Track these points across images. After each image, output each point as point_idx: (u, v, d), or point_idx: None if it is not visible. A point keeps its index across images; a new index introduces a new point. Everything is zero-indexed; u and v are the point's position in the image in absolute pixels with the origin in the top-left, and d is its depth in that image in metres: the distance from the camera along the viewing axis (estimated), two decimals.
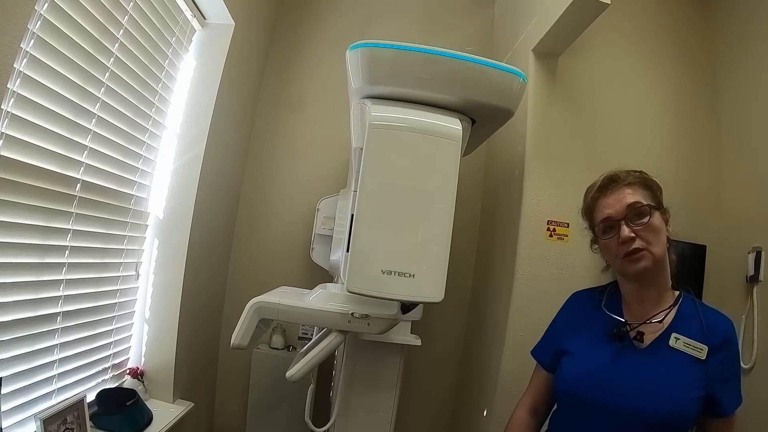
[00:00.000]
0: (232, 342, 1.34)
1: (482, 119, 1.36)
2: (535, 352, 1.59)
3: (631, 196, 1.28)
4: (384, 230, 1.11)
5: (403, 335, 1.88)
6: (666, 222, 1.30)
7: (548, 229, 2.19)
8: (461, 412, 2.66)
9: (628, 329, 1.28)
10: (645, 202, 1.26)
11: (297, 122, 2.85)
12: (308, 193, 2.71)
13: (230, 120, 2.47)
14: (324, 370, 2.49)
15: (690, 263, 2.47)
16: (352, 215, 1.24)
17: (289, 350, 2.61)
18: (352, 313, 1.32)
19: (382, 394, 1.88)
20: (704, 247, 2.46)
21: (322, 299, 1.38)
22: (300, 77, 2.88)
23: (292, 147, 2.84)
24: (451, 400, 2.82)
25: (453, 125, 1.19)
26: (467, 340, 2.77)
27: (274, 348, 2.59)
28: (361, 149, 1.17)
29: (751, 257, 2.10)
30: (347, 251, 1.29)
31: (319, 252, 2.43)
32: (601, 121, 2.35)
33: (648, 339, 1.26)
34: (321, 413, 2.11)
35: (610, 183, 1.34)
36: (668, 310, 1.27)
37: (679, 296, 1.32)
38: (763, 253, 2.06)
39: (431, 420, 2.81)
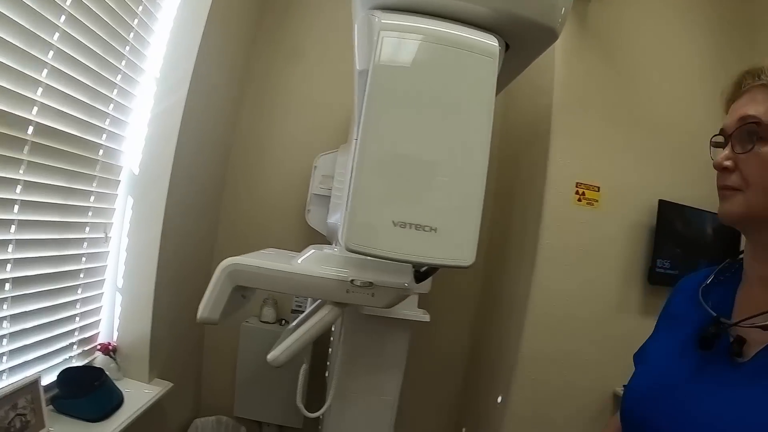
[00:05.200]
0: (198, 314, 1.09)
1: (518, 42, 1.08)
2: (635, 356, 1.14)
3: (754, 105, 0.82)
4: (397, 169, 0.83)
5: (410, 310, 1.73)
6: None
7: (577, 193, 2.03)
8: (471, 398, 2.54)
9: (725, 329, 0.82)
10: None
11: (294, 73, 2.66)
12: (305, 149, 2.53)
13: (219, 66, 2.27)
14: (320, 346, 2.32)
15: (724, 236, 2.33)
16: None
17: (281, 324, 2.47)
18: (351, 281, 1.06)
19: (385, 375, 1.76)
20: None
21: (313, 262, 1.11)
22: (299, 24, 2.68)
23: (289, 99, 2.66)
24: (460, 384, 2.69)
25: (488, 39, 0.92)
26: (479, 317, 2.62)
27: (264, 322, 2.44)
28: (367, 71, 0.90)
29: None
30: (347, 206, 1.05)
31: (315, 214, 2.26)
32: (634, 72, 2.18)
33: (751, 350, 0.78)
34: (317, 394, 1.96)
35: (745, 79, 0.87)
36: None
37: None
38: None
39: (437, 406, 2.70)
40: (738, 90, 0.87)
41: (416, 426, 2.58)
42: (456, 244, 0.85)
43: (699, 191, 2.22)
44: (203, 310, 1.09)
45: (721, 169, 0.83)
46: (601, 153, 2.06)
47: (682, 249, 2.25)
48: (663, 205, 2.18)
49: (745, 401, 0.74)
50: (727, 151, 0.83)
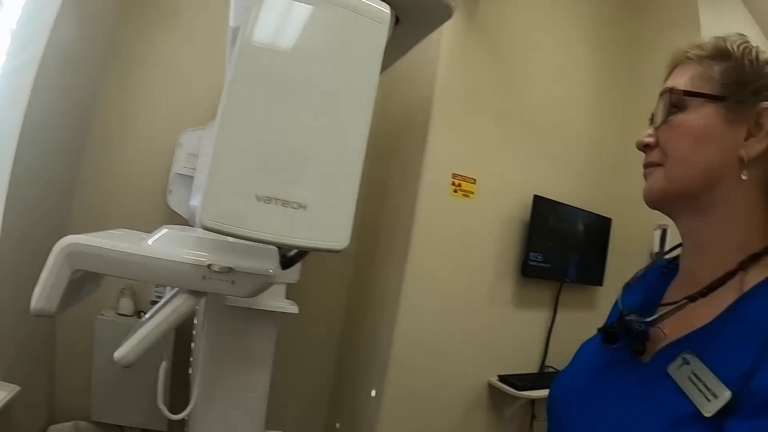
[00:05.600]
0: (32, 305, 0.90)
1: (410, 16, 1.02)
2: None
3: (674, 78, 0.78)
4: (264, 134, 0.72)
5: (277, 300, 1.66)
6: (753, 130, 0.69)
7: (453, 184, 2.04)
8: (345, 391, 2.48)
9: (630, 326, 0.75)
10: (683, 88, 0.74)
11: (167, 40, 2.44)
12: (172, 124, 2.33)
13: (83, 22, 2.05)
14: (183, 340, 2.18)
15: (595, 236, 2.52)
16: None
17: (139, 317, 2.24)
18: (208, 265, 0.93)
19: (253, 370, 1.67)
20: (610, 220, 2.52)
21: (165, 243, 0.97)
22: None
23: (159, 68, 2.44)
24: (333, 377, 2.62)
25: (380, 5, 0.84)
26: (351, 307, 2.57)
27: (121, 314, 2.22)
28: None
29: (657, 234, 2.13)
30: None
31: (177, 195, 2.10)
32: (518, 72, 2.25)
33: (651, 349, 0.73)
34: (183, 394, 1.81)
35: (670, 58, 0.83)
36: (706, 293, 0.68)
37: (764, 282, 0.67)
38: (669, 231, 2.09)
39: (310, 401, 2.61)
40: (668, 71, 0.83)
41: (289, 422, 2.46)
42: (328, 225, 0.76)
43: (574, 190, 2.35)
44: (37, 300, 0.90)
45: (643, 147, 0.79)
46: (480, 146, 2.08)
47: (555, 243, 2.34)
48: (537, 200, 2.25)
49: (624, 400, 0.72)
50: (649, 130, 0.79)
